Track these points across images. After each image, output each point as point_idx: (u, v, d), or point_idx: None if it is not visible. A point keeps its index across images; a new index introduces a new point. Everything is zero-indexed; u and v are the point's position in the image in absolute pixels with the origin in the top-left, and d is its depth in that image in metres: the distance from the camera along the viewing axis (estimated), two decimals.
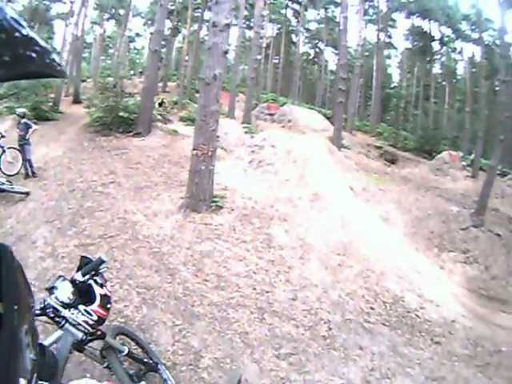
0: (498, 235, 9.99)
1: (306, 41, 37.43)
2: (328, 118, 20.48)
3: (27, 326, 0.65)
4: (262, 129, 14.85)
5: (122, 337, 2.73)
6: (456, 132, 28.08)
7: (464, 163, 17.44)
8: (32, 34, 0.44)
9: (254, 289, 4.90)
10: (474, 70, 26.81)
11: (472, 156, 18.10)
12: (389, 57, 36.05)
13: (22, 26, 0.42)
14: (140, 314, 3.98)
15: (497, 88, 16.57)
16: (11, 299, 0.61)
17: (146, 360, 2.72)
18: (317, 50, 38.29)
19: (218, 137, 7.43)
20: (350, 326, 4.68)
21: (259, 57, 22.52)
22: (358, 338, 4.50)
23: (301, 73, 34.25)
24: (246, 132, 14.18)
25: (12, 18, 0.41)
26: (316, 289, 5.25)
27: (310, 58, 39.53)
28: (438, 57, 30.49)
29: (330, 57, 37.54)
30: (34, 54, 0.44)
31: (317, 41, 36.74)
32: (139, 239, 5.65)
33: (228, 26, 6.83)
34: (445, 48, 29.50)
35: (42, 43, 0.46)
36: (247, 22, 28.31)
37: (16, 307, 0.62)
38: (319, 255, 6.06)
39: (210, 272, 5.03)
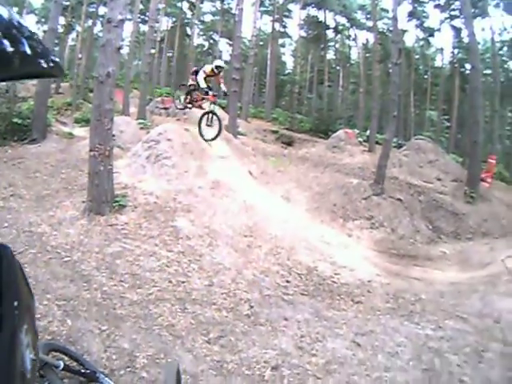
0: (400, 200, 11.16)
1: (201, 33, 37.78)
2: (223, 108, 20.83)
3: (27, 326, 0.67)
4: (157, 123, 14.63)
5: (55, 353, 2.78)
6: (351, 112, 30.92)
7: (360, 139, 19.17)
8: (36, 33, 0.46)
9: (170, 281, 5.06)
10: (367, 54, 29.75)
11: (368, 132, 19.99)
12: (283, 45, 38.08)
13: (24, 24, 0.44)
14: (65, 327, 3.87)
15: (390, 70, 18.41)
16: (11, 299, 0.63)
17: (83, 371, 2.80)
18: (211, 41, 38.70)
19: (113, 135, 7.59)
20: (271, 301, 4.94)
21: (153, 51, 22.13)
22: (280, 310, 4.78)
23: (195, 65, 34.19)
24: (141, 128, 14.06)
25: (18, 20, 0.43)
26: (230, 272, 5.46)
27: (205, 49, 39.75)
28: (332, 44, 33.18)
29: (225, 47, 38.20)
30: (38, 53, 0.46)
31: (211, 32, 37.23)
32: (48, 251, 5.50)
33: (122, 21, 6.93)
34: (339, 35, 32.20)
35: (44, 42, 0.48)
36: (142, 16, 27.65)
37: (16, 307, 0.63)
38: (227, 240, 6.38)
39: (124, 272, 5.12)
